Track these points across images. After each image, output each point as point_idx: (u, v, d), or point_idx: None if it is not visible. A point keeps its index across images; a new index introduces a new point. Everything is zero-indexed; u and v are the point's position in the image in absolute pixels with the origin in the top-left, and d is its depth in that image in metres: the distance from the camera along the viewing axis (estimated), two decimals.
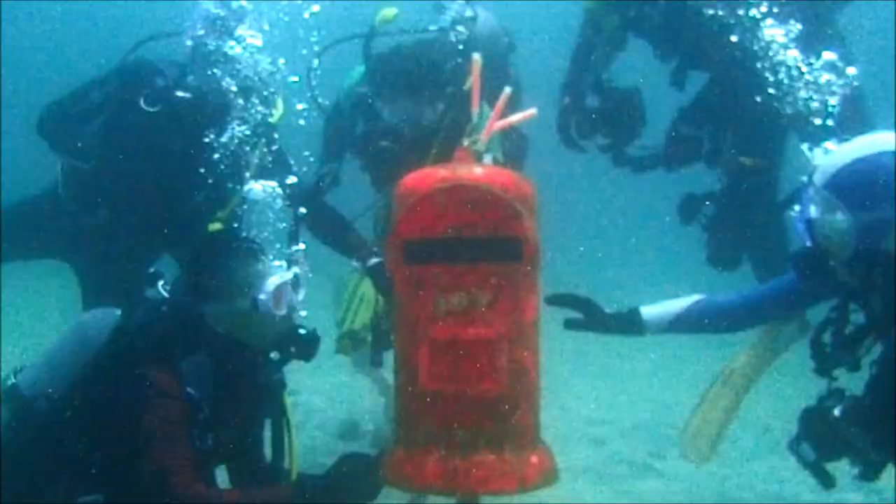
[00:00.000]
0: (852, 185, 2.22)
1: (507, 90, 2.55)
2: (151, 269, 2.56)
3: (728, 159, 3.79)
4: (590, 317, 2.71)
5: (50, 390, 2.35)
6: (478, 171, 2.43)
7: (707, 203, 3.85)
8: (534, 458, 2.43)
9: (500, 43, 4.02)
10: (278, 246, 2.55)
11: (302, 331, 2.39)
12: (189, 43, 3.09)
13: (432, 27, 3.64)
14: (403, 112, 3.38)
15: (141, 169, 3.08)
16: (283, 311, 2.40)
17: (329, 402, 5.87)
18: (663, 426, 5.94)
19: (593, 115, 3.91)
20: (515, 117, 2.58)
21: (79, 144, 3.04)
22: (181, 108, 3.06)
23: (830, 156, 2.31)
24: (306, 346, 2.43)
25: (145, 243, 3.23)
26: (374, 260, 2.73)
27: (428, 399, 2.39)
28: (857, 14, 3.84)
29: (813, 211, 2.30)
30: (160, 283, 2.48)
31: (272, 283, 2.38)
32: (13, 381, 2.43)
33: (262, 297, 2.37)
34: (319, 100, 3.46)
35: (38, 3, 12.24)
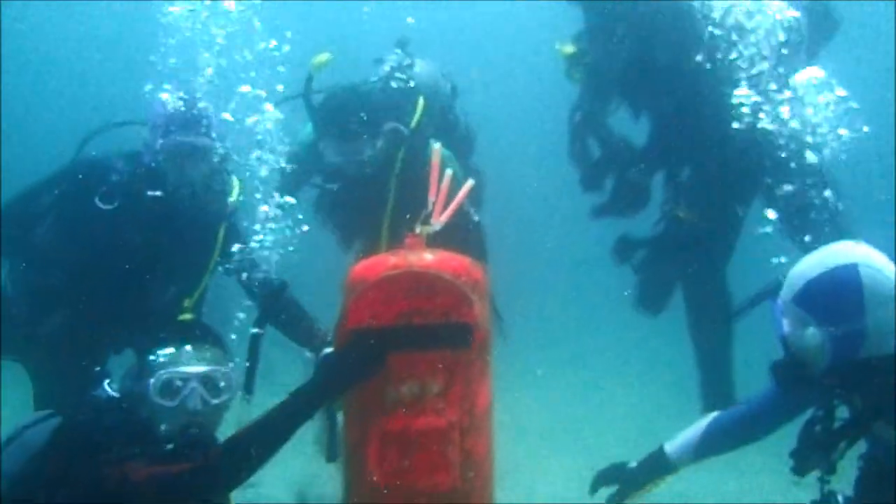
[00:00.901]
0: (821, 300, 2.22)
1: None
2: (97, 369, 2.49)
3: (665, 208, 3.85)
4: (623, 483, 2.69)
5: None
6: (428, 257, 2.41)
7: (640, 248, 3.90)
8: None
9: (442, 89, 4.07)
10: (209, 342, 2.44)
11: (193, 430, 2.26)
12: (159, 140, 3.02)
13: (373, 78, 3.70)
14: (343, 152, 3.41)
15: (101, 269, 3.01)
16: (172, 404, 2.29)
17: (291, 494, 5.66)
18: None
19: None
20: (460, 195, 2.57)
21: (30, 249, 2.97)
22: (142, 202, 3.01)
23: (797, 269, 2.32)
24: (191, 450, 2.27)
25: (105, 344, 3.14)
26: (327, 350, 2.67)
27: (377, 493, 2.31)
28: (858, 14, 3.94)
29: (785, 326, 2.30)
30: (106, 381, 2.40)
31: (164, 371, 2.30)
32: None
33: (150, 380, 2.29)
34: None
35: (39, 4, 12.15)
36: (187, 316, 2.98)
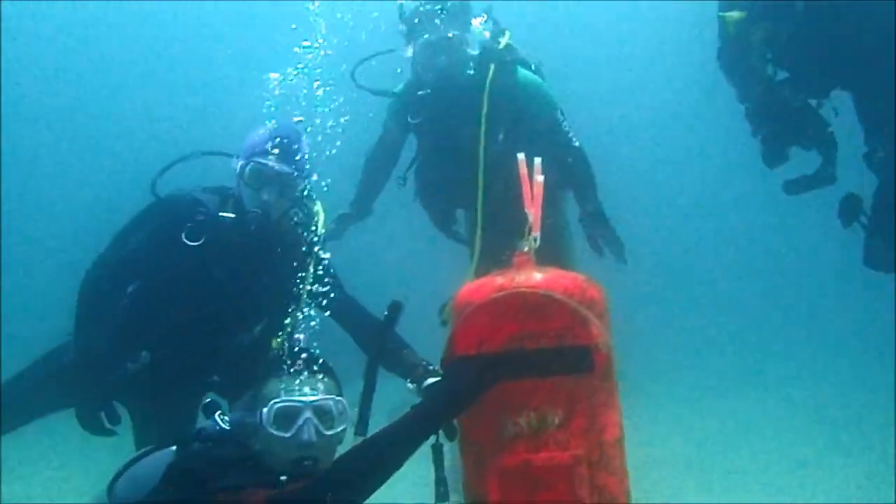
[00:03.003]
0: None
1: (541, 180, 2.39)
2: (207, 400, 2.44)
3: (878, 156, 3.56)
4: None
5: None
6: (537, 276, 2.22)
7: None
8: None
9: None
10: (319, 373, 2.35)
11: (307, 463, 2.14)
12: (240, 164, 3.01)
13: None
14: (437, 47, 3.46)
15: (187, 307, 3.01)
16: (286, 434, 2.19)
17: None
18: None
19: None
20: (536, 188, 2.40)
21: (129, 290, 2.99)
22: (227, 235, 2.99)
23: None
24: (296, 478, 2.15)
25: (196, 380, 3.13)
26: (430, 380, 2.51)
27: None
28: None
29: None
30: (217, 413, 2.34)
31: (278, 401, 2.20)
32: None
33: (264, 410, 2.20)
34: None
35: (39, 4, 12.72)
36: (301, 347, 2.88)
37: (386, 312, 2.48)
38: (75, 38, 12.36)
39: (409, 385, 2.56)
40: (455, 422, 2.28)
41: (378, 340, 2.53)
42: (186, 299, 3.00)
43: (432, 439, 2.41)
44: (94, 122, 12.38)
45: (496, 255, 3.32)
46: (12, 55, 11.51)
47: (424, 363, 2.66)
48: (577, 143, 3.69)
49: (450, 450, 2.58)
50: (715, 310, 10.62)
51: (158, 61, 12.45)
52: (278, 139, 2.92)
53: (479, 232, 3.38)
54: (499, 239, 3.66)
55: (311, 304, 2.85)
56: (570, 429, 2.11)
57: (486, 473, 2.13)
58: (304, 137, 2.99)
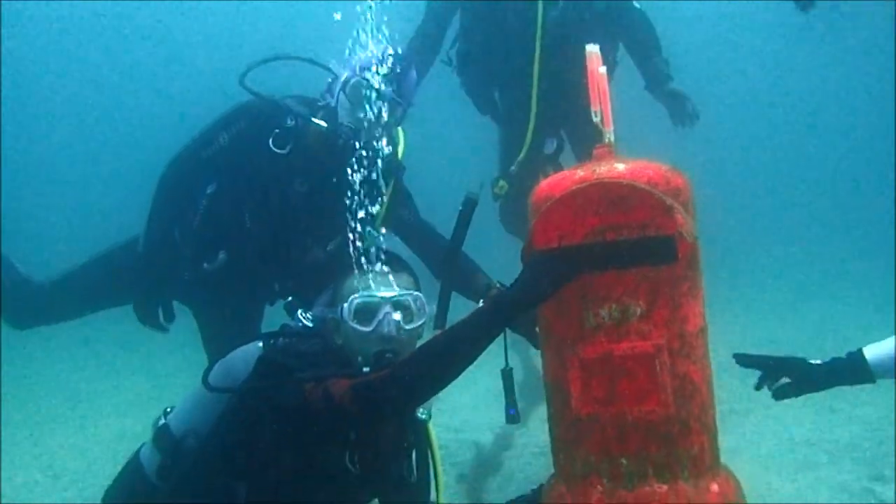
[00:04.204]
0: None
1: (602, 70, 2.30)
2: (290, 298, 2.51)
3: None
4: (799, 379, 2.35)
5: (197, 428, 2.35)
6: (619, 166, 2.18)
7: None
8: (714, 487, 2.11)
9: None
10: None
11: (388, 356, 2.20)
12: (345, 76, 2.94)
13: None
14: None
15: (267, 214, 3.02)
16: (367, 329, 2.24)
17: (494, 437, 5.65)
18: (883, 444, 5.21)
19: None
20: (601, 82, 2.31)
21: (209, 190, 2.99)
22: (313, 146, 2.97)
23: None
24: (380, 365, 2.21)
25: (266, 287, 3.17)
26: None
27: (584, 426, 2.15)
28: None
29: None
30: (299, 311, 2.42)
31: (359, 296, 2.26)
32: (164, 421, 2.45)
33: (344, 306, 2.26)
34: None
35: (39, 4, 12.75)
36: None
37: (460, 208, 2.49)
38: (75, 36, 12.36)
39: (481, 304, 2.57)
40: (537, 328, 2.30)
41: (455, 236, 2.54)
42: (266, 207, 3.02)
43: (503, 364, 2.45)
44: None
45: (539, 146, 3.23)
46: (12, 54, 11.59)
47: (498, 284, 2.67)
48: (637, 5, 3.51)
49: (521, 375, 2.59)
50: None
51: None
52: (390, 61, 2.86)
53: (534, 109, 3.28)
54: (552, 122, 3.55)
55: (386, 226, 2.85)
56: (653, 319, 2.11)
57: (568, 365, 2.15)
58: (412, 68, 2.93)
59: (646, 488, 2.09)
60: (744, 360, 2.36)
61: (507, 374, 2.41)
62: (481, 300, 2.63)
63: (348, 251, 2.38)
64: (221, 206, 3.02)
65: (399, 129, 3.07)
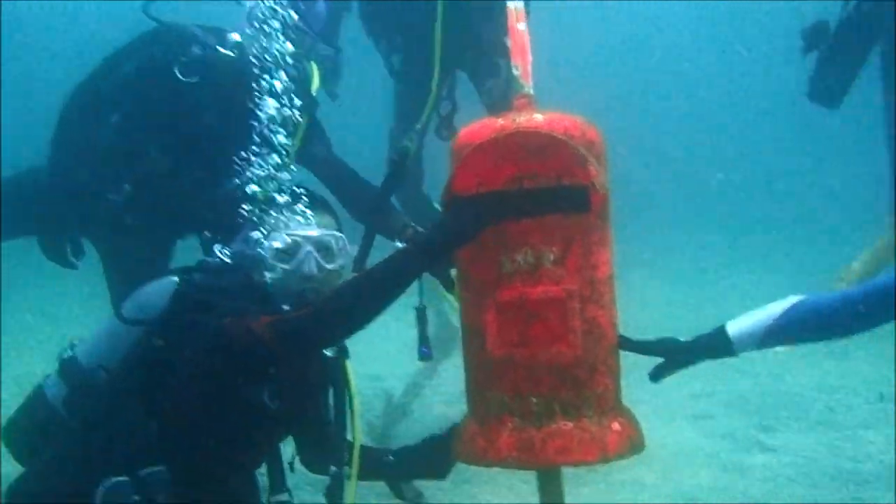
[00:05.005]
0: None
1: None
2: (207, 234, 2.49)
3: None
4: (670, 358, 2.40)
5: (107, 362, 2.32)
6: (538, 117, 2.24)
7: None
8: (616, 425, 2.24)
9: None
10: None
11: (309, 295, 2.22)
12: (250, 5, 2.87)
13: None
14: None
15: (172, 144, 2.94)
16: (288, 267, 2.27)
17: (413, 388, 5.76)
18: (770, 396, 5.58)
19: None
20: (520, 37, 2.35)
21: (113, 119, 2.90)
22: (222, 76, 2.91)
23: None
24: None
25: (173, 221, 3.10)
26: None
27: (498, 367, 2.23)
28: None
29: None
30: (217, 247, 2.41)
31: (280, 234, 2.27)
32: (70, 353, 2.41)
33: (265, 243, 2.27)
34: None
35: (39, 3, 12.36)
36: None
37: (394, 157, 2.51)
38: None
39: (398, 245, 2.62)
40: (453, 271, 2.36)
41: (386, 185, 2.56)
42: (173, 138, 2.95)
43: (416, 302, 2.50)
44: None
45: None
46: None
47: (413, 225, 2.71)
48: None
49: (434, 329, 2.67)
50: None
51: None
52: None
53: (437, 67, 3.30)
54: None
55: (299, 160, 2.83)
56: (565, 265, 2.20)
57: (484, 308, 2.23)
58: (323, 2, 2.88)
59: (553, 426, 2.19)
60: (623, 345, 2.36)
61: (420, 313, 2.46)
62: (397, 240, 2.66)
63: (259, 187, 2.36)
64: (126, 137, 2.92)
65: (313, 64, 3.04)
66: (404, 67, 4.05)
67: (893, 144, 4.33)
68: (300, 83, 2.89)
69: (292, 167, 2.62)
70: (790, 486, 4.14)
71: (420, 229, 2.88)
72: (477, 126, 2.30)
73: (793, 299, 2.35)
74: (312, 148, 3.06)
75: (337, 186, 3.10)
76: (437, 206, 3.27)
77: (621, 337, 2.33)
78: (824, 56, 4.10)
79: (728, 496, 4.03)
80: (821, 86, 4.21)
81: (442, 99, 3.85)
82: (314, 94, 3.04)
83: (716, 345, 2.37)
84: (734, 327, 2.36)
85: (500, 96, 3.67)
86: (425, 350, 2.52)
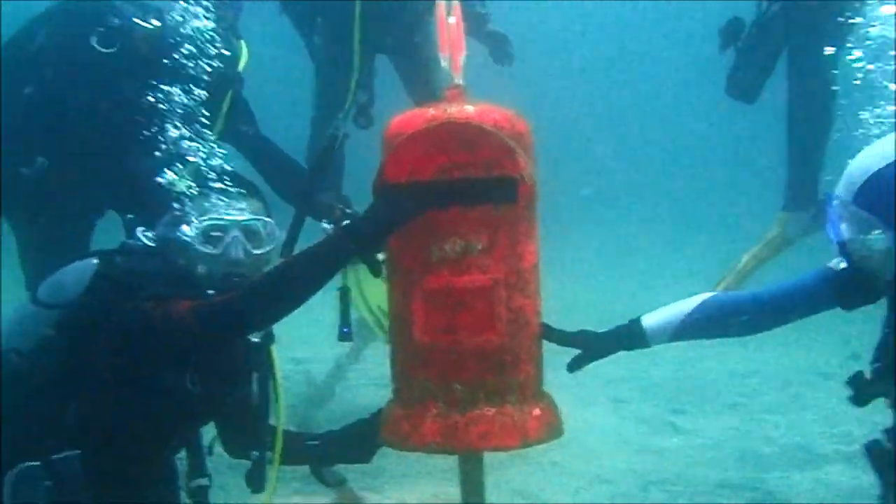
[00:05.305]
0: (887, 197, 1.94)
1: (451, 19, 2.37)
2: (130, 216, 2.43)
3: None
4: (588, 349, 2.46)
5: (20, 345, 2.25)
6: (469, 108, 2.27)
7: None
8: (536, 411, 2.30)
9: None
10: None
11: (235, 279, 2.20)
12: None
13: None
14: None
15: (88, 117, 2.83)
16: (215, 251, 2.24)
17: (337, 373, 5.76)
18: (683, 382, 5.82)
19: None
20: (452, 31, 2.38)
21: (26, 91, 2.79)
22: (142, 47, 2.81)
23: (856, 162, 2.06)
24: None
25: (90, 198, 3.00)
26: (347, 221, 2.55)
27: (424, 353, 2.27)
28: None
29: (845, 231, 2.05)
30: (139, 229, 2.35)
31: (206, 219, 2.24)
32: None
33: (191, 227, 2.24)
34: None
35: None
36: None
37: (326, 143, 2.50)
38: None
39: (325, 226, 2.62)
40: (380, 256, 2.37)
41: (316, 168, 2.54)
42: (89, 110, 2.85)
43: (339, 283, 2.50)
44: None
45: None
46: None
47: (342, 207, 2.71)
48: None
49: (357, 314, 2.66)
50: None
51: None
52: None
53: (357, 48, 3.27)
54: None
55: (225, 138, 2.78)
56: (492, 255, 2.24)
57: (412, 296, 2.25)
58: None
59: (476, 412, 2.24)
60: (546, 335, 2.39)
61: (343, 294, 2.47)
62: (324, 222, 2.65)
63: (183, 165, 2.32)
64: (39, 109, 2.81)
65: (242, 41, 2.99)
66: (325, 50, 4.01)
67: (792, 139, 4.52)
68: (228, 60, 2.84)
69: (219, 147, 2.57)
70: (700, 467, 4.34)
71: (349, 210, 2.87)
72: (409, 115, 2.31)
73: (704, 296, 2.47)
74: (240, 126, 3.01)
75: (265, 166, 3.06)
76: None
77: (543, 325, 2.39)
78: (740, 53, 4.26)
79: (643, 477, 4.20)
80: (737, 81, 4.36)
81: (361, 86, 3.82)
82: (239, 72, 2.98)
83: (631, 337, 2.46)
84: (649, 320, 2.46)
85: (422, 84, 3.68)
86: (346, 330, 2.53)
